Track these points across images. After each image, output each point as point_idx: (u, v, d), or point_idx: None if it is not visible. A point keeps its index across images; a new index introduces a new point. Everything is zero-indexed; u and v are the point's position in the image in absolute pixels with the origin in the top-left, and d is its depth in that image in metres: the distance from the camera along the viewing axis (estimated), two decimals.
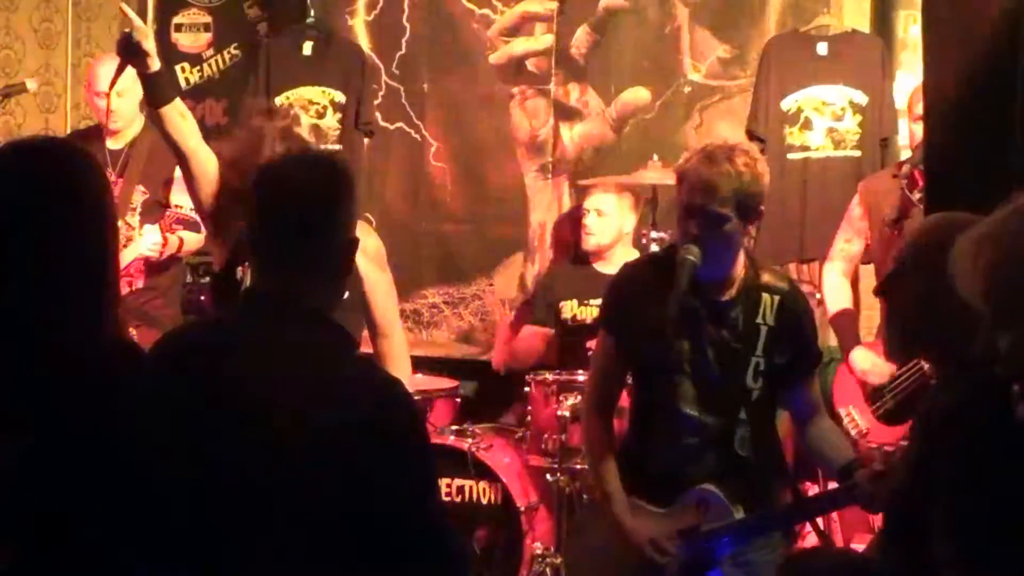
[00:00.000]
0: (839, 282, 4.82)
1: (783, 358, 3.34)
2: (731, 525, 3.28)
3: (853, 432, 4.50)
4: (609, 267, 5.04)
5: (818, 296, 5.32)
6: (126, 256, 4.86)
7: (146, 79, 3.64)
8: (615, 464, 3.41)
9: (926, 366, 4.11)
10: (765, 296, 3.33)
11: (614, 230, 5.30)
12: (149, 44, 3.56)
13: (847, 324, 4.75)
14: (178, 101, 3.67)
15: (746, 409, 3.30)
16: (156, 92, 3.65)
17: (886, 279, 2.49)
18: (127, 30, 3.55)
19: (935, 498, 2.22)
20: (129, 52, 3.55)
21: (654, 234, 5.12)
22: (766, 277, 3.37)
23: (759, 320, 3.31)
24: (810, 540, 4.13)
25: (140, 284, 5.07)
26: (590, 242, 5.34)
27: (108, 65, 5.17)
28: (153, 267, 5.12)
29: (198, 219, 4.49)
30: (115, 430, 2.09)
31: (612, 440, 3.49)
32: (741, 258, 3.34)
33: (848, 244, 4.84)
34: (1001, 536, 2.13)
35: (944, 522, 2.19)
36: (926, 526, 2.23)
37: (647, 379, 3.43)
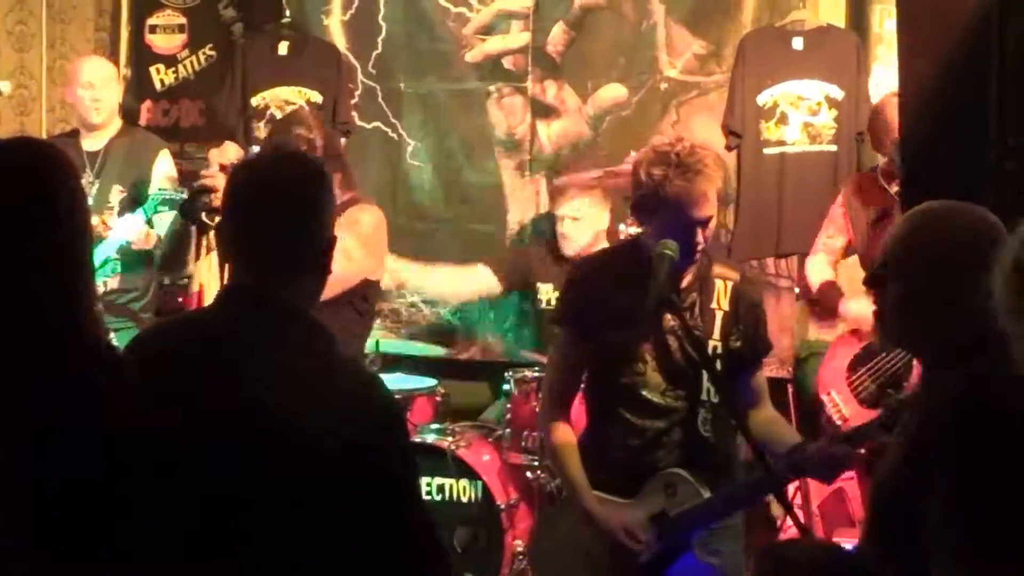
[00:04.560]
0: (823, 268, 4.91)
1: (736, 343, 3.40)
2: (699, 506, 3.31)
3: (836, 418, 4.54)
4: None
5: (796, 291, 5.35)
6: (104, 249, 4.84)
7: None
8: (579, 457, 3.43)
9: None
10: (719, 283, 3.41)
11: (590, 231, 5.30)
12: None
13: (832, 290, 4.84)
14: None
15: (708, 391, 3.34)
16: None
17: (872, 276, 2.50)
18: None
19: (929, 492, 2.22)
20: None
21: (631, 229, 5.12)
22: (717, 267, 3.44)
23: (714, 305, 3.39)
24: (791, 534, 4.14)
25: (115, 284, 5.06)
26: (570, 247, 5.32)
27: (93, 61, 5.29)
28: (128, 267, 5.11)
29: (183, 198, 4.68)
30: (96, 433, 2.08)
31: (572, 434, 3.50)
32: None
33: (831, 239, 4.91)
34: (1005, 527, 2.14)
35: (943, 515, 2.19)
36: (914, 520, 2.23)
37: (611, 370, 3.44)
